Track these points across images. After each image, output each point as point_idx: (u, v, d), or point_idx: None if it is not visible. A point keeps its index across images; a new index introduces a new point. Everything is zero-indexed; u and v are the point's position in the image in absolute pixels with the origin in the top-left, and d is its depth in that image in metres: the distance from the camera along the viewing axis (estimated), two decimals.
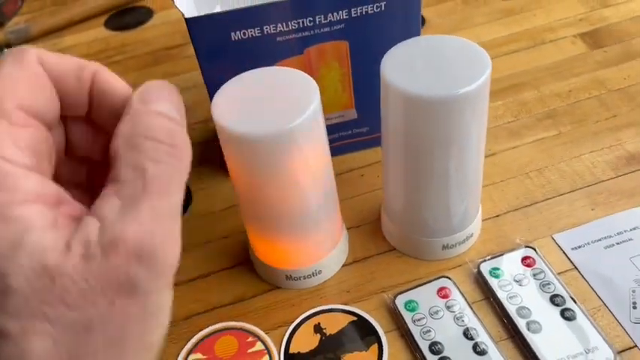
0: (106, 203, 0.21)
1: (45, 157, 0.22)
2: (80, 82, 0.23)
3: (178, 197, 0.22)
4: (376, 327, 0.46)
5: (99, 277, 0.20)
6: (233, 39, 0.48)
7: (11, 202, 0.19)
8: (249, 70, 0.43)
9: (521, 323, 0.44)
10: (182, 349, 0.46)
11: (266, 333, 0.46)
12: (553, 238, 0.50)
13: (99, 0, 0.89)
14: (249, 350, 0.46)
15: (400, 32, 0.48)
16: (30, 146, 0.21)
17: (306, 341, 0.46)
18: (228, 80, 0.43)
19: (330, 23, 0.50)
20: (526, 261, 0.48)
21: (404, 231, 0.50)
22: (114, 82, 0.24)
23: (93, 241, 0.20)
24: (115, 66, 0.79)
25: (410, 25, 0.51)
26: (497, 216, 0.52)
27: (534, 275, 0.47)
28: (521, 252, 0.48)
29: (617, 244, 0.49)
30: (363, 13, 0.50)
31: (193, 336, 0.47)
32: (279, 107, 0.40)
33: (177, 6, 0.47)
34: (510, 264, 0.48)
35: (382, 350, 0.44)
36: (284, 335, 0.46)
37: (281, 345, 0.46)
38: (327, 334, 0.46)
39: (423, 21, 0.76)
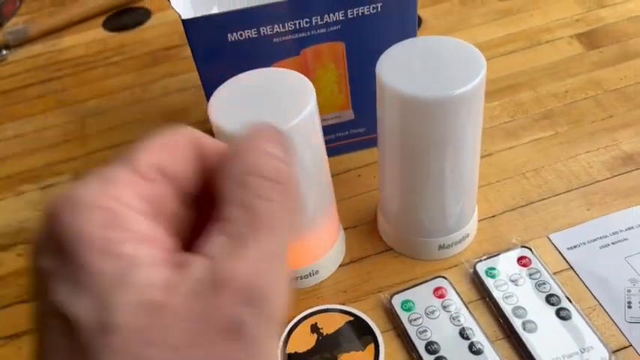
0: (213, 241, 0.20)
1: (163, 213, 0.22)
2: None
3: (287, 237, 0.21)
4: (373, 327, 0.46)
5: (205, 317, 0.19)
6: (230, 40, 0.49)
7: (121, 240, 0.19)
8: (245, 70, 0.44)
9: (516, 323, 0.44)
10: None
11: None
12: (549, 238, 0.50)
13: (97, 1, 0.90)
14: None
15: (396, 33, 0.49)
16: (152, 199, 0.21)
17: (303, 341, 0.46)
18: (225, 81, 0.43)
19: (327, 24, 0.50)
20: (522, 261, 0.48)
21: (400, 231, 0.50)
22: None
23: (200, 279, 0.19)
24: (113, 67, 0.79)
25: (406, 26, 0.51)
26: (494, 216, 0.53)
27: (530, 275, 0.47)
28: (517, 252, 0.48)
29: (613, 243, 0.49)
30: (360, 14, 0.50)
31: None
32: (275, 108, 0.40)
33: (174, 7, 0.47)
34: (506, 264, 0.48)
35: (379, 350, 0.45)
36: (281, 335, 0.46)
37: (278, 345, 0.46)
38: (324, 333, 0.46)
39: (420, 21, 0.76)
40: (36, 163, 0.67)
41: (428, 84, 0.40)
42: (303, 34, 0.50)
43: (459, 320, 0.45)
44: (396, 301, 0.47)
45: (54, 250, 0.19)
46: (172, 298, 0.19)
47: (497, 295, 0.46)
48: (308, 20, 0.49)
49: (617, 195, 0.53)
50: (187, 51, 0.79)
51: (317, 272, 0.49)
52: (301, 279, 0.49)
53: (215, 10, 0.52)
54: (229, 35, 0.48)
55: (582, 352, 0.42)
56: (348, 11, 0.50)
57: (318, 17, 0.49)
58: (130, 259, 0.19)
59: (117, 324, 0.18)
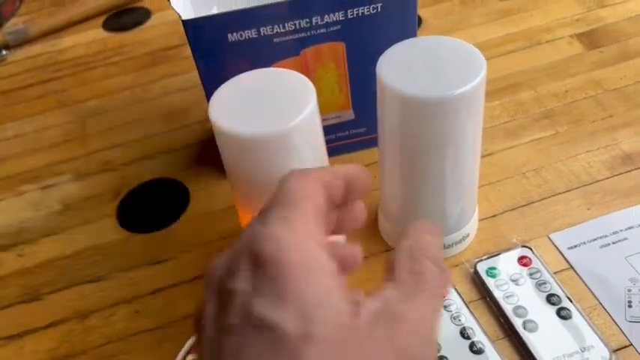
0: (388, 292, 0.26)
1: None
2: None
3: (441, 302, 0.28)
4: None
5: (384, 340, 0.24)
6: (230, 40, 0.49)
7: (317, 271, 0.25)
8: (246, 71, 0.44)
9: (517, 322, 0.44)
10: (181, 348, 0.46)
11: None
12: (549, 238, 0.50)
13: (97, 1, 0.90)
14: None
15: (396, 33, 0.49)
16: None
17: None
18: (225, 81, 0.43)
19: (327, 24, 0.50)
20: (522, 260, 0.48)
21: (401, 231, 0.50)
22: None
23: (378, 312, 0.24)
24: (113, 67, 0.80)
25: (406, 26, 0.51)
26: (494, 216, 0.53)
27: (530, 275, 0.47)
28: (518, 252, 0.49)
29: (613, 243, 0.49)
30: (360, 14, 0.50)
31: (192, 336, 0.47)
32: (275, 108, 0.40)
33: (174, 7, 0.47)
34: (507, 263, 0.48)
35: None
36: None
37: None
38: None
39: (420, 21, 0.76)
40: (36, 163, 0.67)
41: (428, 84, 0.40)
42: (303, 34, 0.50)
43: (459, 320, 0.45)
44: None
45: (251, 273, 0.25)
46: (357, 322, 0.24)
47: (497, 294, 0.46)
48: (308, 20, 0.49)
49: (617, 194, 0.53)
50: (187, 51, 0.80)
51: None
52: None
53: (215, 11, 0.52)
54: (229, 35, 0.48)
55: (583, 352, 0.42)
56: (348, 11, 0.50)
57: (319, 17, 0.49)
58: (325, 287, 0.24)
59: (318, 335, 0.23)
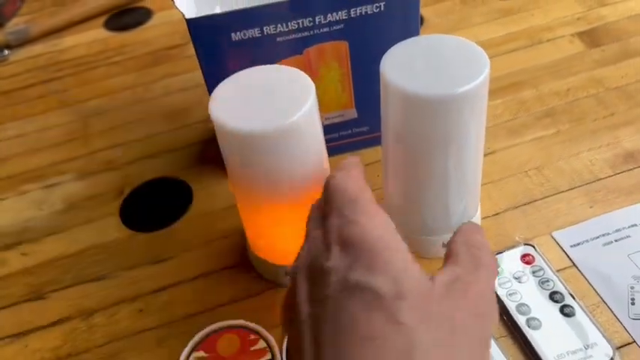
0: (453, 268, 0.31)
1: None
2: None
3: (495, 277, 0.33)
4: None
5: (457, 302, 0.29)
6: (234, 39, 0.49)
7: (398, 244, 0.31)
8: None
9: (520, 320, 0.44)
10: (185, 347, 0.46)
11: (268, 331, 0.47)
12: (552, 236, 0.50)
13: (98, 1, 0.90)
14: (252, 348, 0.46)
15: (399, 32, 0.49)
16: None
17: None
18: None
19: (330, 23, 0.50)
20: (525, 258, 0.48)
21: (403, 229, 0.49)
22: None
23: (450, 282, 0.30)
24: (114, 67, 0.80)
25: (409, 25, 0.51)
26: (497, 214, 0.53)
27: (533, 272, 0.47)
28: (521, 249, 0.49)
29: (616, 241, 0.49)
30: (363, 13, 0.50)
31: (196, 334, 0.47)
32: (275, 104, 0.41)
33: (178, 7, 0.48)
34: (510, 261, 0.48)
35: None
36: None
37: (283, 343, 0.46)
38: None
39: (422, 20, 0.77)
40: (39, 163, 0.67)
41: (432, 82, 0.40)
42: (306, 34, 0.50)
43: None
44: None
45: (342, 254, 0.30)
46: (433, 286, 0.30)
47: (501, 292, 0.46)
48: (311, 19, 0.49)
49: (620, 192, 0.53)
50: (189, 50, 0.80)
51: None
52: None
53: (218, 10, 0.52)
54: (233, 34, 0.49)
55: (586, 349, 0.42)
56: (351, 10, 0.50)
57: (322, 16, 0.50)
58: (405, 260, 0.30)
59: (407, 293, 0.28)
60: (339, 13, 0.50)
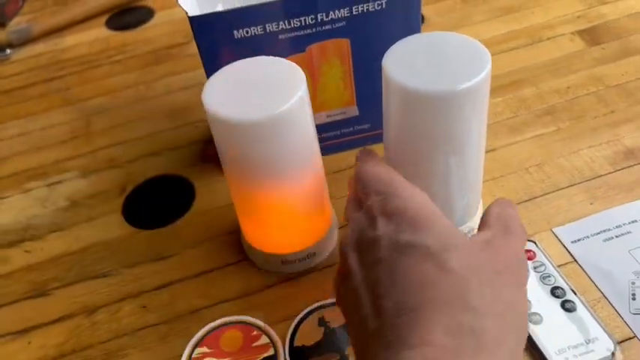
0: (487, 233, 0.35)
1: None
2: None
3: (525, 242, 0.36)
4: None
5: (494, 257, 0.33)
6: (236, 37, 0.49)
7: (439, 215, 0.35)
8: None
9: None
10: (188, 343, 0.47)
11: (271, 327, 0.47)
12: (553, 232, 0.51)
13: (100, 0, 0.90)
14: (254, 344, 0.46)
15: (400, 30, 0.49)
16: None
17: (310, 334, 0.46)
18: None
19: (332, 21, 0.50)
20: (526, 254, 0.48)
21: None
22: None
23: (484, 242, 0.34)
24: (116, 65, 0.80)
25: (410, 22, 0.51)
26: None
27: (535, 268, 0.47)
28: None
29: (616, 237, 0.49)
30: (364, 11, 0.50)
31: (199, 330, 0.47)
32: (267, 94, 0.42)
33: (181, 4, 0.48)
34: None
35: None
36: (288, 329, 0.47)
37: (286, 338, 0.46)
38: (331, 327, 0.46)
39: (423, 19, 0.77)
40: (42, 161, 0.67)
41: (434, 78, 0.40)
42: (308, 31, 0.51)
43: None
44: None
45: (389, 223, 0.34)
46: (474, 241, 0.34)
47: None
48: (313, 17, 0.50)
49: (620, 189, 0.53)
50: (190, 49, 0.80)
51: (314, 255, 0.51)
52: (299, 262, 0.50)
53: (220, 8, 0.53)
54: (235, 32, 0.49)
55: (587, 343, 0.43)
56: (353, 8, 0.50)
57: (324, 14, 0.50)
58: (446, 222, 0.34)
59: (453, 246, 0.32)
60: (341, 10, 0.50)
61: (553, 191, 0.54)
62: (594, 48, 0.69)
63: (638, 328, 0.44)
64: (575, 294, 0.45)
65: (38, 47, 0.86)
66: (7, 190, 0.64)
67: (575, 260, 0.48)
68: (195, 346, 0.47)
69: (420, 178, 0.46)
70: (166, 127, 0.69)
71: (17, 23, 0.91)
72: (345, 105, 0.57)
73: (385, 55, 0.43)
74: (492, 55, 0.41)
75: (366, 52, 0.53)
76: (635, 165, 0.55)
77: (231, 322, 0.48)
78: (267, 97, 0.41)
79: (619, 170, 0.55)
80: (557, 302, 0.45)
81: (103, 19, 0.89)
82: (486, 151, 0.51)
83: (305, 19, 0.50)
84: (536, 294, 0.46)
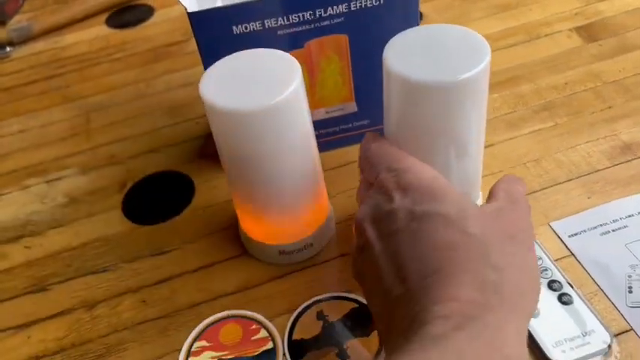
0: (494, 203, 0.37)
1: None
2: None
3: (530, 211, 0.39)
4: None
5: (504, 221, 0.36)
6: (235, 33, 0.49)
7: (451, 187, 0.37)
8: None
9: None
10: (187, 336, 0.47)
11: (269, 320, 0.47)
12: (550, 226, 0.51)
13: None
14: (253, 337, 0.46)
15: (399, 26, 0.49)
16: None
17: (309, 328, 0.46)
18: None
19: (330, 17, 0.51)
20: None
21: None
22: None
23: (494, 211, 0.36)
24: (116, 63, 0.80)
25: (409, 18, 0.52)
26: None
27: None
28: None
29: (613, 231, 0.50)
30: (363, 6, 0.51)
31: (198, 324, 0.48)
32: (263, 85, 0.42)
33: (180, 0, 0.48)
34: None
35: None
36: (287, 322, 0.47)
37: (284, 332, 0.46)
38: (330, 320, 0.47)
39: (421, 16, 0.77)
40: (42, 157, 0.67)
41: (434, 69, 0.40)
42: (307, 27, 0.51)
43: None
44: None
45: (404, 196, 0.36)
46: (485, 211, 0.36)
47: None
48: (312, 13, 0.50)
49: (617, 184, 0.54)
50: (189, 47, 0.81)
51: (311, 245, 0.51)
52: (296, 252, 0.51)
53: (219, 4, 0.53)
54: (234, 28, 0.49)
55: (584, 336, 0.43)
56: (351, 4, 0.50)
57: (322, 10, 0.50)
58: (458, 193, 0.36)
59: (469, 211, 0.35)
60: (340, 6, 0.50)
61: (551, 186, 0.54)
62: (592, 44, 0.69)
63: (635, 320, 0.44)
64: (572, 287, 0.46)
65: (38, 45, 0.86)
66: (6, 186, 0.65)
67: (573, 254, 0.49)
68: (195, 339, 0.47)
69: None
70: (166, 124, 0.69)
71: (18, 21, 0.91)
72: (344, 101, 0.57)
73: (386, 47, 0.43)
74: (490, 51, 0.42)
75: (364, 47, 0.53)
76: (632, 160, 0.55)
77: (230, 316, 0.48)
78: (264, 87, 0.42)
79: (616, 165, 0.55)
80: (554, 295, 0.45)
81: (103, 17, 0.90)
82: (485, 147, 0.51)
83: (303, 15, 0.50)
84: None
